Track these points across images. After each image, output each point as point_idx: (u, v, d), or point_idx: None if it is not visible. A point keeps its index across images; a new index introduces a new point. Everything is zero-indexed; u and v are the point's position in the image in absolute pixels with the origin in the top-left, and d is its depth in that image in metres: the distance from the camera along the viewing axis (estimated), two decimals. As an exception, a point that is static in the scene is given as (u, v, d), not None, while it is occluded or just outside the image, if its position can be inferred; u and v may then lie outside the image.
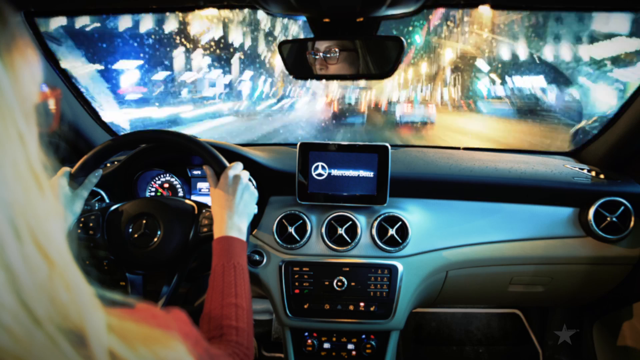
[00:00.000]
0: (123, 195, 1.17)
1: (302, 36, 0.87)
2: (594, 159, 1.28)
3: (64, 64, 1.16)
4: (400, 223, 1.04)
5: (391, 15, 0.79)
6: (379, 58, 0.85)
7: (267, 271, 1.05)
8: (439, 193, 1.13)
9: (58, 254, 0.30)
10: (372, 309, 1.03)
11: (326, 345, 1.08)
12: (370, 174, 1.05)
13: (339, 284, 1.02)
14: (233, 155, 1.09)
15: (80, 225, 0.86)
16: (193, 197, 1.28)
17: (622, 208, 1.06)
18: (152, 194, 1.26)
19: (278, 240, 1.05)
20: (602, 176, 1.15)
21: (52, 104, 0.45)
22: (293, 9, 0.76)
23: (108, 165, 1.15)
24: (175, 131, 0.90)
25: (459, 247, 1.08)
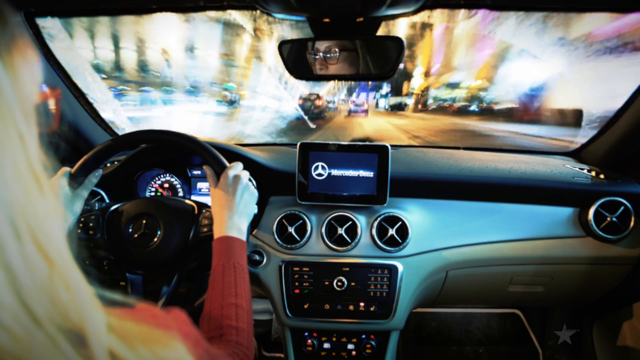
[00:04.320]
0: (123, 195, 1.17)
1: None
2: (594, 159, 1.28)
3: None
4: (400, 223, 1.04)
5: (391, 15, 0.79)
6: (379, 58, 0.85)
7: (267, 271, 1.05)
8: (439, 193, 1.13)
9: (58, 254, 0.30)
10: (372, 309, 1.03)
11: (326, 345, 1.08)
12: (370, 174, 1.05)
13: (339, 284, 1.02)
14: (233, 155, 1.09)
15: (80, 225, 0.86)
16: (193, 197, 1.28)
17: (622, 208, 1.06)
18: (152, 194, 1.26)
19: (278, 240, 1.05)
20: (602, 176, 1.15)
21: (52, 104, 0.45)
22: (293, 9, 0.76)
23: (108, 165, 1.15)
24: (175, 131, 0.90)
25: (459, 247, 1.08)
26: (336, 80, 0.90)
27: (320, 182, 1.06)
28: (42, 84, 0.34)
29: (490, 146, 1.48)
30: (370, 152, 1.03)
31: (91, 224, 0.87)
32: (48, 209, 0.30)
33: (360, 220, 1.06)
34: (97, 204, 0.92)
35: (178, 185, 1.26)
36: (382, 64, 0.86)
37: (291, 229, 1.05)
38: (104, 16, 1.01)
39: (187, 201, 0.93)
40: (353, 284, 1.03)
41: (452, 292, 1.16)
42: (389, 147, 1.03)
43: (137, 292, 0.90)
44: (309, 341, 1.07)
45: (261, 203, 1.11)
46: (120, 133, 1.41)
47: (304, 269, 1.04)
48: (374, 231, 1.04)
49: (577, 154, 1.37)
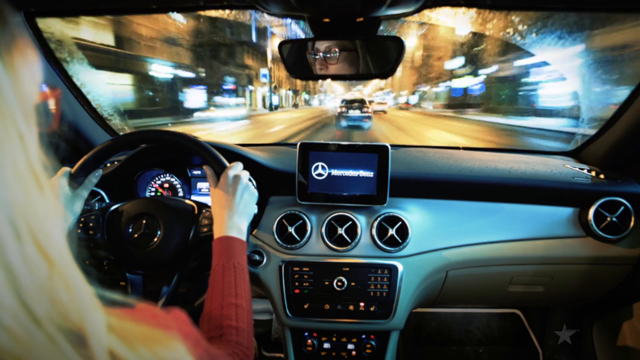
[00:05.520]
0: (123, 195, 1.17)
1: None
2: (594, 159, 1.28)
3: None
4: (400, 223, 1.04)
5: (391, 15, 0.79)
6: (379, 58, 0.85)
7: (267, 271, 1.05)
8: (439, 193, 1.13)
9: (58, 254, 0.30)
10: (372, 309, 1.03)
11: (326, 345, 1.08)
12: (370, 174, 1.05)
13: (339, 284, 1.02)
14: (233, 155, 1.09)
15: (80, 225, 0.86)
16: (193, 197, 1.28)
17: (622, 208, 1.06)
18: (152, 194, 1.26)
19: (278, 240, 1.05)
20: (602, 176, 1.15)
21: (52, 104, 0.45)
22: (293, 9, 0.76)
23: (108, 165, 1.15)
24: (176, 131, 0.90)
25: (459, 247, 1.08)
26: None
27: (320, 182, 1.06)
28: (42, 84, 0.34)
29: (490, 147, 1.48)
30: (370, 152, 1.03)
31: (91, 224, 0.86)
32: (48, 209, 0.30)
33: (360, 220, 1.06)
34: (97, 204, 0.92)
35: (178, 185, 1.26)
36: (382, 63, 0.86)
37: (291, 229, 1.05)
38: (104, 16, 1.01)
39: (187, 201, 0.93)
40: (353, 284, 1.03)
41: (452, 292, 1.16)
42: (389, 147, 1.03)
43: (137, 292, 0.90)
44: (309, 341, 1.07)
45: (261, 203, 1.11)
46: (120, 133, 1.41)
47: (304, 269, 1.04)
48: (374, 231, 1.04)
49: (577, 154, 1.37)
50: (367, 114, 13.56)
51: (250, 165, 1.09)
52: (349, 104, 13.90)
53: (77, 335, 0.28)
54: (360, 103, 13.83)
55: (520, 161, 1.24)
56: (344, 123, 13.65)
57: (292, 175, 1.08)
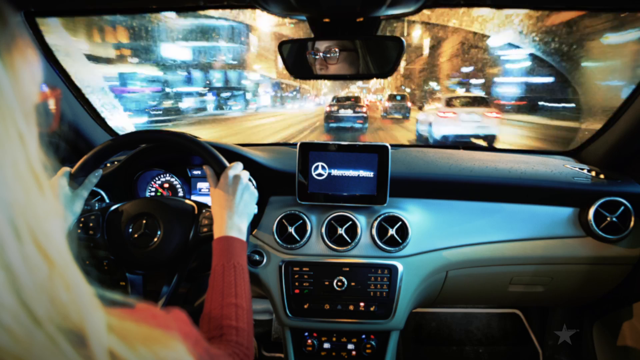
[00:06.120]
0: (123, 195, 1.17)
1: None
2: (594, 159, 1.28)
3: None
4: (400, 223, 1.04)
5: (391, 15, 0.79)
6: (379, 58, 0.85)
7: (267, 271, 1.05)
8: (439, 193, 1.13)
9: (58, 254, 0.30)
10: (372, 309, 1.03)
11: (326, 345, 1.08)
12: (370, 174, 1.05)
13: (339, 284, 1.02)
14: (233, 155, 1.09)
15: (80, 225, 0.86)
16: (193, 197, 1.28)
17: (622, 208, 1.06)
18: (152, 194, 1.26)
19: (278, 240, 1.05)
20: (602, 176, 1.15)
21: (52, 104, 0.45)
22: (293, 9, 0.76)
23: (108, 165, 1.15)
24: (176, 131, 0.90)
25: (459, 247, 1.08)
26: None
27: (320, 182, 1.06)
28: (42, 84, 0.34)
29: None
30: (370, 152, 1.03)
31: (91, 224, 0.87)
32: (48, 209, 0.30)
33: (360, 220, 1.06)
34: (97, 204, 0.92)
35: (178, 185, 1.26)
36: (382, 63, 0.86)
37: (291, 229, 1.05)
38: (104, 16, 1.01)
39: (187, 201, 0.93)
40: (353, 284, 1.03)
41: (452, 292, 1.16)
42: (389, 147, 1.03)
43: (137, 292, 0.90)
44: (309, 341, 1.07)
45: (261, 203, 1.11)
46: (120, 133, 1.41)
47: (304, 269, 1.04)
48: (374, 231, 1.04)
49: (577, 154, 1.37)
50: (360, 114, 12.63)
51: (250, 165, 1.09)
52: (340, 102, 12.92)
53: (77, 335, 0.28)
54: (354, 101, 12.90)
55: (520, 161, 1.24)
56: (333, 124, 12.79)
57: (292, 175, 1.08)
